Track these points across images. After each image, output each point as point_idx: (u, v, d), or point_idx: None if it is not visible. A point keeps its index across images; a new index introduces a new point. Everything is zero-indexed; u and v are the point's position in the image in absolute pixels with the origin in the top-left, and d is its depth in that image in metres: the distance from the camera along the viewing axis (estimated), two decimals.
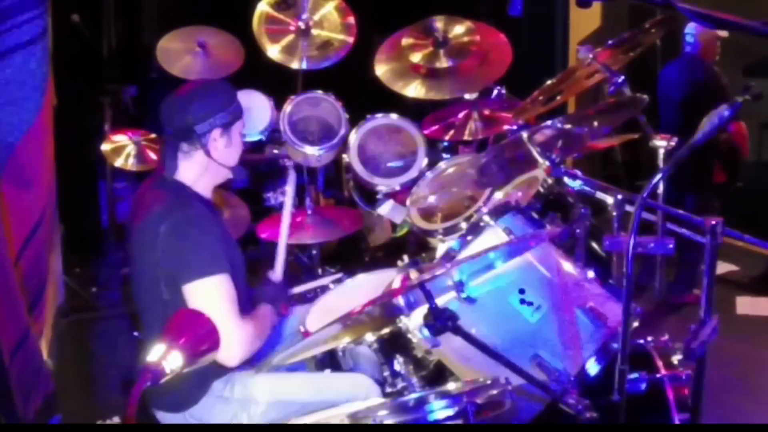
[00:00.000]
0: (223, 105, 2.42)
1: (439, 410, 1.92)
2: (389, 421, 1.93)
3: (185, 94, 2.43)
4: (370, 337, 2.55)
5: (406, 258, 2.85)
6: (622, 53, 3.04)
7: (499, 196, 2.72)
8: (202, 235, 2.33)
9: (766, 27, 1.59)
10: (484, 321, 2.35)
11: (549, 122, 2.54)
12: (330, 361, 2.71)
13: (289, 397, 2.44)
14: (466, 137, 3.73)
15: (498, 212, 2.55)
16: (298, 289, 2.91)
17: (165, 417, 2.46)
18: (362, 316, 2.24)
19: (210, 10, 4.89)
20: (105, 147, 4.32)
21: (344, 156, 3.59)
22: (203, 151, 2.41)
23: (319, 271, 3.96)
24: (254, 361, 2.47)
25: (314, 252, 4.00)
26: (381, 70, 3.68)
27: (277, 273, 2.73)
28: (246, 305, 2.43)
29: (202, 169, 2.44)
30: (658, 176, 2.01)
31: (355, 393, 2.45)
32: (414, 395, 2.18)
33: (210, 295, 2.27)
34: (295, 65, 3.96)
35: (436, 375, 2.54)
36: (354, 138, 3.46)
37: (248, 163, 4.32)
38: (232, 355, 2.28)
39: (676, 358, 2.49)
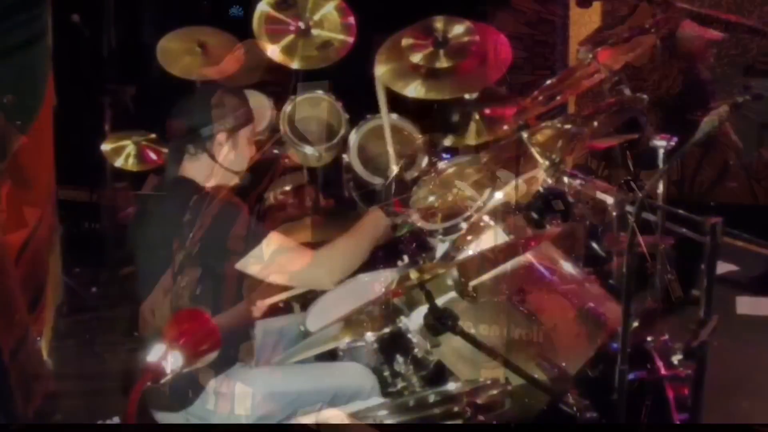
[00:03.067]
0: (230, 109, 2.43)
1: (439, 410, 1.92)
2: (389, 421, 1.93)
3: (193, 97, 2.44)
4: (370, 337, 2.55)
5: (406, 258, 2.84)
6: (622, 53, 3.04)
7: (499, 196, 2.72)
8: (231, 214, 2.33)
9: (766, 27, 1.59)
10: (484, 321, 2.35)
11: (549, 122, 2.54)
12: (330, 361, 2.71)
13: (284, 387, 2.44)
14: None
15: (498, 212, 2.55)
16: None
17: (164, 417, 2.45)
18: (362, 316, 2.24)
19: (210, 10, 4.88)
20: (105, 147, 4.32)
21: (344, 156, 3.58)
22: (208, 154, 2.41)
23: None
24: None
25: None
26: (381, 70, 3.68)
27: None
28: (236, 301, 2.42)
29: (208, 171, 2.45)
30: (658, 176, 2.01)
31: (349, 381, 2.44)
32: (414, 395, 2.17)
33: (272, 252, 2.30)
34: (295, 65, 3.96)
35: (436, 375, 2.54)
36: (354, 138, 3.45)
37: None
38: (322, 281, 2.43)
39: (676, 358, 2.49)
